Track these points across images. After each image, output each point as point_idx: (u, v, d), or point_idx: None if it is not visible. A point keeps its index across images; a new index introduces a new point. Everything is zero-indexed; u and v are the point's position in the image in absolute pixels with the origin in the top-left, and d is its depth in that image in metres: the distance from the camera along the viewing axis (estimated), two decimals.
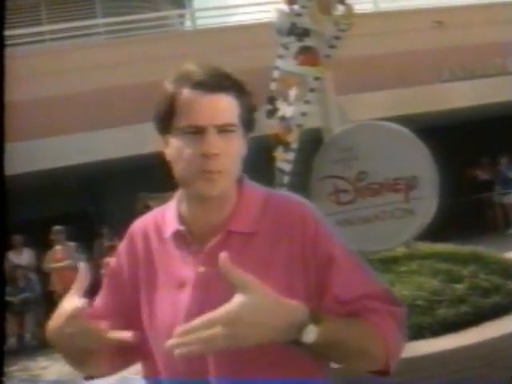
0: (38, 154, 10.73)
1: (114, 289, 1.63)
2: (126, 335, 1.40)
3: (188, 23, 17.54)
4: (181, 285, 1.50)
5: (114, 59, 12.32)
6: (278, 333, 1.27)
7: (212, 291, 1.45)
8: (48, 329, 1.49)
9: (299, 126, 5.84)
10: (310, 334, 1.28)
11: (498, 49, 13.09)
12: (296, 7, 5.96)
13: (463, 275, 4.90)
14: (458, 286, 4.74)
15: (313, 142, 5.69)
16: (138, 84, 11.53)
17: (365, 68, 12.32)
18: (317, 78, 5.83)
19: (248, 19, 15.15)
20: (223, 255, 1.27)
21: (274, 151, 5.88)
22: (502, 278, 5.00)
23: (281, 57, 5.95)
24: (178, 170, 1.46)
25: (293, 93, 5.92)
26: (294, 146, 5.84)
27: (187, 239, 1.51)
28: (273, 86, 5.96)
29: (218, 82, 1.42)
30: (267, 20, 8.92)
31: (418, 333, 4.26)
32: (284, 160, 5.85)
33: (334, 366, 1.53)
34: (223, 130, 1.42)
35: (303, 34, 5.86)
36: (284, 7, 6.08)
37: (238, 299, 1.25)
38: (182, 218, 1.53)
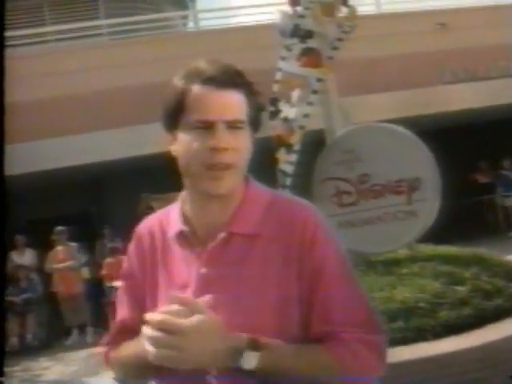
0: (40, 154, 10.74)
1: (131, 290, 1.64)
2: None
3: (191, 24, 17.54)
4: (184, 285, 1.50)
5: (117, 60, 12.33)
6: (218, 356, 1.32)
7: (213, 292, 1.44)
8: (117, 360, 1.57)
9: (302, 127, 5.84)
10: (251, 361, 1.32)
11: (501, 51, 13.07)
12: (299, 9, 5.97)
13: (465, 277, 4.90)
14: (460, 289, 4.74)
15: (315, 143, 5.69)
16: (141, 85, 11.55)
17: (367, 70, 12.32)
18: (319, 80, 5.83)
19: (251, 20, 15.13)
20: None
21: (277, 153, 5.88)
22: (504, 280, 5.00)
23: (284, 58, 5.95)
24: (186, 165, 1.46)
25: (295, 94, 5.92)
26: (297, 147, 5.84)
27: (190, 240, 1.51)
28: (275, 87, 5.96)
29: (229, 78, 1.42)
30: (270, 21, 8.92)
31: (420, 335, 4.26)
32: (286, 162, 5.85)
33: None
34: (232, 126, 1.42)
35: (306, 35, 5.86)
36: (287, 9, 6.09)
37: (192, 319, 1.30)
38: (185, 219, 1.53)
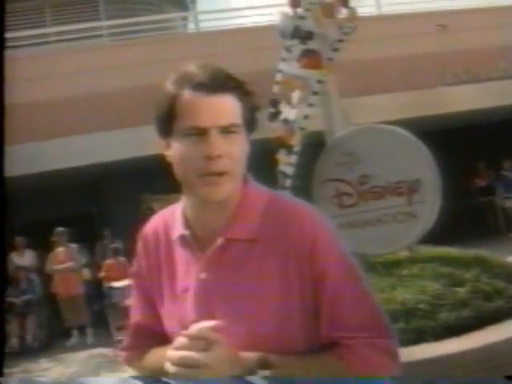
0: (40, 155, 10.74)
1: (141, 291, 1.64)
2: None
3: (191, 26, 17.54)
4: (185, 289, 1.50)
5: (118, 61, 12.33)
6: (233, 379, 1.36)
7: (212, 297, 1.45)
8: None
9: (302, 129, 5.84)
10: (262, 380, 1.34)
11: (502, 52, 13.07)
12: (300, 10, 5.97)
13: (466, 279, 4.89)
14: (461, 290, 4.73)
15: (315, 145, 5.68)
16: (142, 86, 11.52)
17: (368, 71, 12.31)
18: (320, 81, 5.83)
19: (251, 22, 15.13)
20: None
21: (277, 154, 5.88)
22: (504, 282, 4.99)
23: (284, 60, 5.96)
24: (181, 173, 1.44)
25: (296, 96, 5.92)
26: (297, 149, 5.84)
27: (191, 243, 1.50)
28: (276, 88, 5.96)
29: (219, 83, 1.40)
30: (270, 23, 8.92)
31: (420, 337, 4.25)
32: (287, 163, 5.84)
33: None
34: (226, 130, 1.39)
35: (307, 36, 5.86)
36: (287, 10, 6.09)
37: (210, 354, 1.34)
38: (187, 222, 1.52)
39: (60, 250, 10.16)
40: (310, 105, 5.83)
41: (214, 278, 1.45)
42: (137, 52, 12.52)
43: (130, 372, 1.71)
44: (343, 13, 5.94)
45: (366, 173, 5.63)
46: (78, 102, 11.90)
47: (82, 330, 10.00)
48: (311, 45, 5.87)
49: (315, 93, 5.83)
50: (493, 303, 4.66)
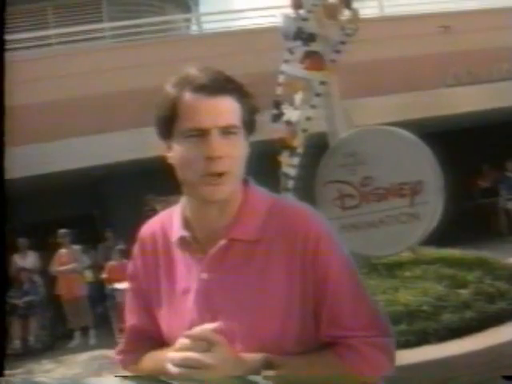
0: (42, 157, 10.74)
1: (138, 294, 1.64)
2: None
3: (194, 27, 17.56)
4: (185, 291, 1.50)
5: (120, 63, 12.34)
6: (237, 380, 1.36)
7: (214, 298, 1.45)
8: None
9: (305, 130, 5.84)
10: (267, 380, 1.34)
11: (504, 54, 13.05)
12: (302, 12, 5.97)
13: (468, 281, 4.89)
14: (463, 292, 4.73)
15: (318, 146, 5.68)
16: (144, 87, 11.53)
17: (370, 73, 12.30)
18: (322, 83, 5.83)
19: (254, 23, 15.14)
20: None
21: (280, 156, 5.88)
22: (507, 283, 4.99)
23: (287, 61, 5.96)
24: (182, 174, 1.45)
25: (298, 97, 5.92)
26: (300, 150, 5.84)
27: (192, 245, 1.51)
28: (278, 90, 5.97)
29: (219, 85, 1.41)
30: (273, 24, 8.92)
31: (423, 338, 4.25)
32: (289, 165, 5.84)
33: None
34: (226, 131, 1.41)
35: (309, 38, 5.86)
36: (290, 12, 6.09)
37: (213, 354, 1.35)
38: (186, 224, 1.53)
39: (63, 251, 10.17)
40: (313, 106, 5.84)
41: (216, 278, 1.46)
42: (139, 54, 12.53)
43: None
44: (346, 14, 5.95)
45: (369, 174, 5.63)
46: (79, 103, 11.91)
47: (84, 331, 10.00)
48: (314, 46, 5.88)
49: (318, 94, 5.83)
50: (496, 305, 4.66)
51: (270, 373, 1.35)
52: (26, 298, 10.02)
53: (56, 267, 10.11)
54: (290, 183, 5.80)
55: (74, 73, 11.95)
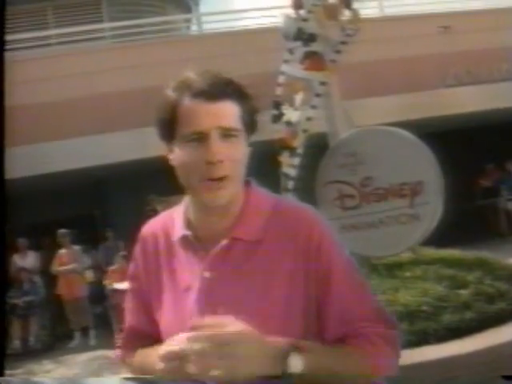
0: (43, 157, 10.74)
1: (137, 293, 1.65)
2: None
3: (194, 28, 17.56)
4: (187, 289, 1.51)
5: (120, 63, 12.34)
6: (266, 362, 1.29)
7: (216, 297, 1.46)
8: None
9: (305, 130, 5.84)
10: (297, 364, 1.31)
11: (504, 54, 13.05)
12: (302, 12, 5.97)
13: (468, 281, 4.90)
14: (463, 292, 4.74)
15: (318, 146, 5.69)
16: (145, 87, 11.54)
17: (370, 73, 12.31)
18: (323, 83, 5.84)
19: (254, 24, 15.15)
20: None
21: (280, 156, 5.89)
22: (507, 284, 5.00)
23: (287, 61, 5.96)
24: (183, 178, 1.46)
25: (299, 98, 5.92)
26: (300, 150, 5.84)
27: (194, 244, 1.52)
28: (279, 90, 5.97)
29: (218, 89, 1.42)
30: (273, 25, 8.92)
31: (423, 339, 4.26)
32: (289, 165, 5.85)
33: None
34: (226, 134, 1.41)
35: (309, 38, 5.87)
36: (290, 12, 6.09)
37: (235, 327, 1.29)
38: (189, 223, 1.54)
39: (63, 251, 10.16)
40: (313, 107, 5.84)
41: (218, 276, 1.46)
42: (139, 54, 12.53)
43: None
44: (346, 15, 5.95)
45: (369, 175, 5.63)
46: (80, 103, 11.91)
47: (84, 331, 10.00)
48: (314, 47, 5.88)
49: (318, 95, 5.83)
50: (495, 305, 4.66)
51: (300, 356, 1.31)
52: (26, 298, 10.02)
53: (56, 267, 10.10)
54: (291, 183, 5.80)
55: (74, 73, 11.96)
